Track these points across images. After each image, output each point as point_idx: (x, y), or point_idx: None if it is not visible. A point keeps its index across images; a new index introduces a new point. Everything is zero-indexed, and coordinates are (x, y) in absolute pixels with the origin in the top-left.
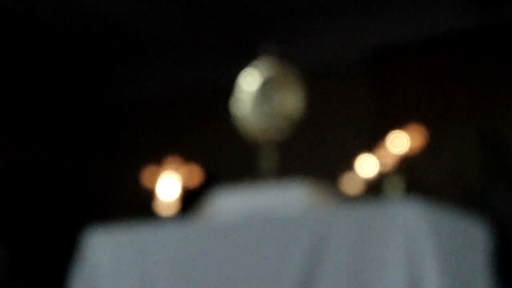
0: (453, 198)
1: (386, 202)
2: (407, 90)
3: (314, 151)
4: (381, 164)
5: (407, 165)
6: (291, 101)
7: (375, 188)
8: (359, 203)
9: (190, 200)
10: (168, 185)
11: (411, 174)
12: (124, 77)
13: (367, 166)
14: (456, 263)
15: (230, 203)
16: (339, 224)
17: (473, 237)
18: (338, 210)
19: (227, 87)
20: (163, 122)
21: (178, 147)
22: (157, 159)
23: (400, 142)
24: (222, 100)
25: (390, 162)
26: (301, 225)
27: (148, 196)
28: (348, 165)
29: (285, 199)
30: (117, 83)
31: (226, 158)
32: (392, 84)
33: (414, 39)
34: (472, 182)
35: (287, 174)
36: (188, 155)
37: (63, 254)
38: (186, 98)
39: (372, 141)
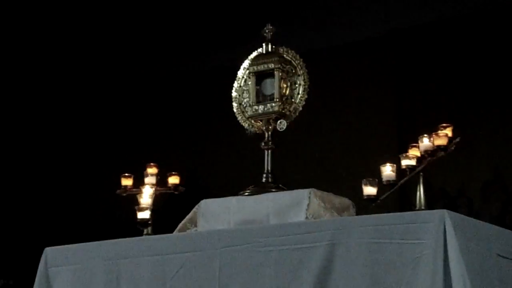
0: (495, 202)
1: (407, 213)
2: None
3: (334, 153)
4: (407, 168)
5: (439, 168)
6: (295, 88)
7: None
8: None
9: (172, 207)
10: (149, 193)
11: (448, 178)
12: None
13: (390, 170)
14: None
15: (224, 212)
16: (355, 233)
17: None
18: (354, 219)
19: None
20: (143, 128)
21: (159, 154)
22: (139, 166)
23: (428, 143)
24: (207, 105)
25: (418, 164)
26: (314, 234)
27: (129, 204)
28: (370, 169)
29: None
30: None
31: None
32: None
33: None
34: None
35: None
36: (170, 163)
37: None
38: (170, 101)
39: (396, 141)
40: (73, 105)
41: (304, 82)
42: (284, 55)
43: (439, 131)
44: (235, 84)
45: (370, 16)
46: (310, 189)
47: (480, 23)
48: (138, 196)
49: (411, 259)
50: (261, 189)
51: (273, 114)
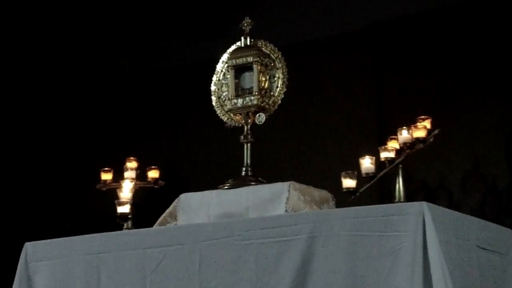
0: (475, 194)
1: (386, 205)
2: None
3: (313, 146)
4: (386, 160)
5: (418, 160)
6: (274, 81)
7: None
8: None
9: (152, 201)
10: (129, 187)
11: (428, 170)
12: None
13: (369, 162)
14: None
15: (204, 205)
16: (335, 226)
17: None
18: (334, 212)
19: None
20: (123, 122)
21: (139, 148)
22: (118, 160)
23: (407, 135)
24: (186, 99)
25: (397, 157)
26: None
27: (109, 198)
28: (350, 162)
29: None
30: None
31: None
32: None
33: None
34: (494, 177)
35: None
36: (150, 157)
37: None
38: (149, 95)
39: (375, 133)
40: (51, 100)
41: (283, 75)
42: (263, 49)
43: (418, 123)
44: (214, 78)
45: (349, 9)
46: (289, 182)
47: (459, 16)
48: (118, 190)
49: (391, 252)
50: (240, 182)
51: (252, 108)
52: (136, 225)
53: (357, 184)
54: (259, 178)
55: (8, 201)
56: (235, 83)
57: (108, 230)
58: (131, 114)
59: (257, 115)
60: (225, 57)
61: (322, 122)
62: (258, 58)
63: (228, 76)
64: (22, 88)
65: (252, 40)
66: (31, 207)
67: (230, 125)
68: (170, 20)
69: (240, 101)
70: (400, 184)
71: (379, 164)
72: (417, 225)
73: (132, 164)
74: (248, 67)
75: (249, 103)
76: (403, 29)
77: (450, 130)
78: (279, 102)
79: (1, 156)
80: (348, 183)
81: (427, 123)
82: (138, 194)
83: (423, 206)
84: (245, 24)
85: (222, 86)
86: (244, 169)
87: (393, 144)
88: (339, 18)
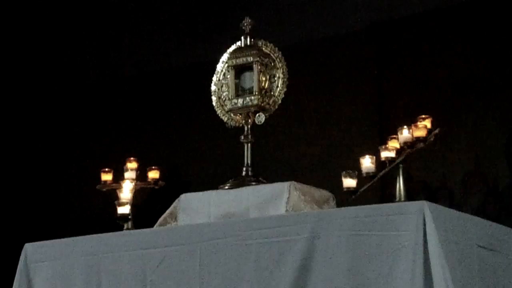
0: (476, 194)
1: (387, 204)
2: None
3: (313, 146)
4: (386, 160)
5: (419, 160)
6: (274, 81)
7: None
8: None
9: (153, 202)
10: (129, 188)
11: (428, 170)
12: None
13: (369, 162)
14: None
15: (204, 206)
16: (335, 225)
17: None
18: (334, 212)
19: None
20: (123, 122)
21: (139, 148)
22: (118, 161)
23: (407, 135)
24: (186, 99)
25: (397, 156)
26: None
27: (109, 199)
28: (350, 161)
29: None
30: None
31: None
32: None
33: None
34: (495, 177)
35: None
36: (150, 157)
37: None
38: (149, 96)
39: (376, 134)
40: (51, 100)
41: (283, 75)
42: (263, 48)
43: (418, 123)
44: (214, 78)
45: (350, 10)
46: (290, 182)
47: (459, 16)
48: (118, 191)
49: (391, 251)
50: (241, 182)
51: (252, 108)
52: (136, 226)
53: (357, 183)
54: (260, 178)
55: (8, 201)
56: (235, 83)
57: (108, 231)
58: (131, 114)
59: (257, 115)
60: (225, 57)
61: (322, 122)
62: (258, 58)
63: (228, 76)
64: (22, 89)
65: (252, 40)
66: (31, 207)
67: (231, 125)
68: (170, 21)
69: (240, 101)
70: (400, 184)
71: (380, 163)
72: (417, 224)
73: (132, 164)
74: (248, 67)
75: (249, 103)
76: (404, 29)
77: (451, 129)
78: (279, 102)
79: (1, 157)
80: (349, 182)
81: (428, 123)
82: (139, 194)
83: (424, 205)
84: (245, 24)
85: (222, 86)
86: (244, 169)
87: (393, 144)
88: (340, 18)
